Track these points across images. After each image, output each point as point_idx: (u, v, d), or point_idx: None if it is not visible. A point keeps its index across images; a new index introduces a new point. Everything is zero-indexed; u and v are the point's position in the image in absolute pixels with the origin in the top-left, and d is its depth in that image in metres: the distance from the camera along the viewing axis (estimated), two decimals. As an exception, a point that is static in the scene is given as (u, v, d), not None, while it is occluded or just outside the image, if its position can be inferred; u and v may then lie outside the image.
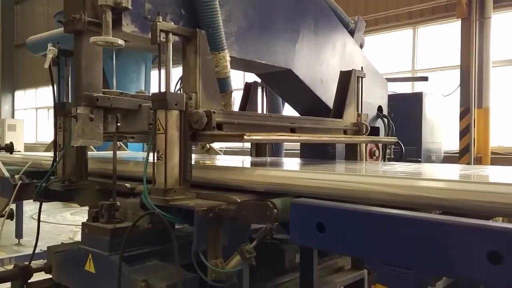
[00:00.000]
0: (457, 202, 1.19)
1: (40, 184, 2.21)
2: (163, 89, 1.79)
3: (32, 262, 2.44)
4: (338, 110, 2.77)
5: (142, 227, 1.85)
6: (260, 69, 2.74)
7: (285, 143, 4.97)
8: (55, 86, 2.26)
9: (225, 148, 6.38)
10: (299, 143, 3.46)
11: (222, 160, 3.05)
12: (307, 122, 2.43)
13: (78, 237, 6.39)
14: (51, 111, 18.45)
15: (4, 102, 21.94)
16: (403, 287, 1.10)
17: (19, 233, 5.63)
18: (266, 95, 3.52)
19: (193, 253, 1.62)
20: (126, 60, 9.05)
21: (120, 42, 1.85)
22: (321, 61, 3.09)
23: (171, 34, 1.78)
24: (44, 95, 19.81)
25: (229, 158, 3.57)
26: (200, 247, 1.59)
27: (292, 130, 2.31)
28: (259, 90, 3.48)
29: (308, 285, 2.05)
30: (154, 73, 10.85)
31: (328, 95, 3.13)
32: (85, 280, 1.90)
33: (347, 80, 2.83)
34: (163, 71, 1.77)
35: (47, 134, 18.49)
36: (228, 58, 2.22)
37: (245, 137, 1.68)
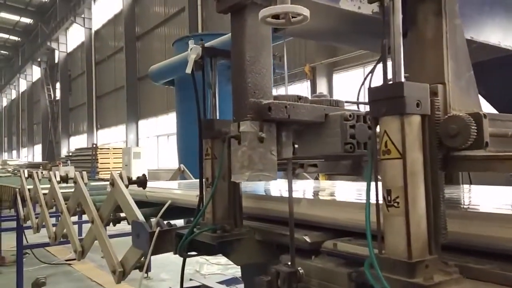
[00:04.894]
0: None
1: (186, 236, 1.58)
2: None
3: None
4: None
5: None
6: (480, 54, 1.85)
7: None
8: (199, 99, 1.65)
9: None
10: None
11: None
12: None
13: (204, 270, 6.00)
14: (171, 138, 19.36)
15: (130, 131, 23.77)
16: None
17: (148, 265, 5.35)
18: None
19: None
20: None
21: (305, 13, 1.14)
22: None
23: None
24: (164, 123, 20.93)
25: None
26: None
27: None
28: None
29: None
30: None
31: None
32: None
33: None
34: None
35: (168, 160, 19.37)
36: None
37: None
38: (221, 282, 4.84)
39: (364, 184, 2.71)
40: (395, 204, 0.97)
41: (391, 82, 1.01)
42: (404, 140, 0.96)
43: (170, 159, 17.89)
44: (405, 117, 0.96)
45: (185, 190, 2.51)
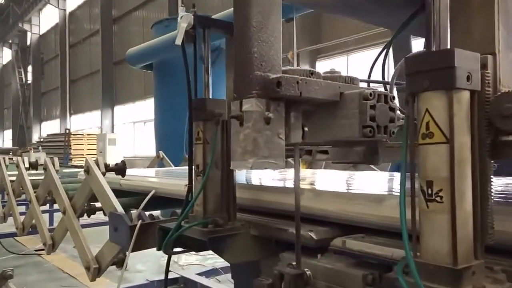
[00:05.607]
0: None
1: (172, 231, 1.39)
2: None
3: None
4: None
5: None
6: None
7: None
8: (190, 76, 1.44)
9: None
10: None
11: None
12: None
13: (182, 261, 5.80)
14: (148, 124, 18.88)
15: (105, 117, 23.10)
16: None
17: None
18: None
19: None
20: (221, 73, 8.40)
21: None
22: None
23: None
24: (141, 109, 20.40)
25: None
26: None
27: None
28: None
29: None
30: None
31: None
32: None
33: None
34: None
35: (144, 147, 18.93)
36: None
37: None
38: (200, 274, 4.66)
39: (357, 173, 2.51)
40: (438, 199, 0.80)
41: (434, 50, 0.83)
42: (452, 121, 0.78)
43: (147, 146, 17.47)
44: (454, 93, 0.78)
45: (166, 179, 2.29)
